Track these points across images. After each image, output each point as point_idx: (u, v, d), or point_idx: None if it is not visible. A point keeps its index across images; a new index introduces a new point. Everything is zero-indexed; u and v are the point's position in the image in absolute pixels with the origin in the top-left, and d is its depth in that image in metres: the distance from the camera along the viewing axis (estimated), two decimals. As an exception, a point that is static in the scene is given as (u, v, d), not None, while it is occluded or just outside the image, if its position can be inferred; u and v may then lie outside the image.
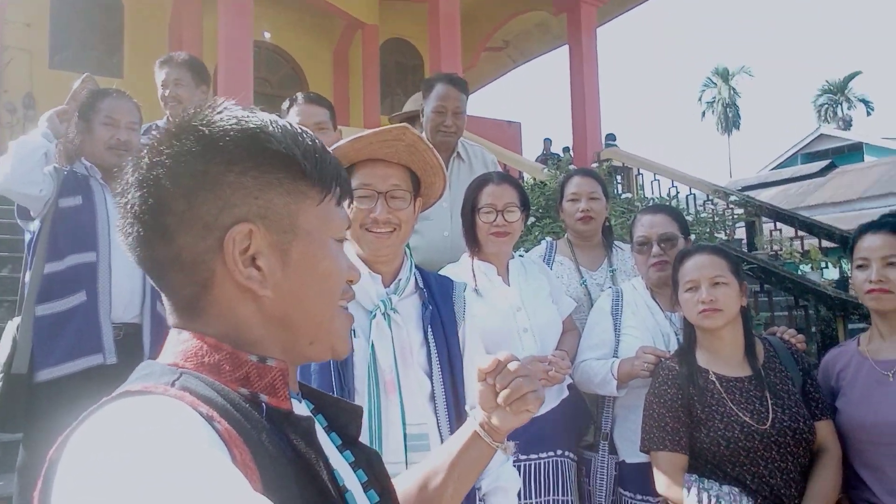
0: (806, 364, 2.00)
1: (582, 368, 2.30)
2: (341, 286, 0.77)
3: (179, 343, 0.69)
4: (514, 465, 2.05)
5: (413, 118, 3.33)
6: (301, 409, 0.76)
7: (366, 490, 0.79)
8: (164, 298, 0.72)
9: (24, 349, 2.35)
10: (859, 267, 1.99)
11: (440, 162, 1.60)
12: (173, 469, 0.48)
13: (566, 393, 2.27)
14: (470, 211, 2.30)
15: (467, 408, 1.19)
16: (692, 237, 5.05)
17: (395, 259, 1.60)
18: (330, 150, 1.59)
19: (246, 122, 0.69)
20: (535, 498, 2.13)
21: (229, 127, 0.68)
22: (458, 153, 2.96)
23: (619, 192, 9.07)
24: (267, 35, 11.82)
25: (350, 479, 0.77)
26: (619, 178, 10.09)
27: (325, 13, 12.08)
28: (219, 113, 0.70)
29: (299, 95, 2.56)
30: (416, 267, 1.68)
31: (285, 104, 2.60)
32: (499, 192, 2.26)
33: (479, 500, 1.57)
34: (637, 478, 2.14)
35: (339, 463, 0.77)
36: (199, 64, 3.17)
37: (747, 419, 1.84)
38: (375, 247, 1.55)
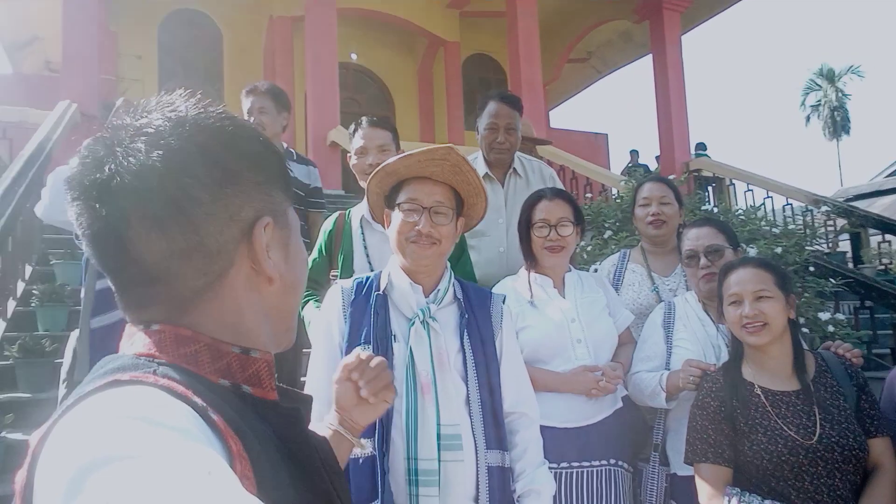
0: (861, 379, 1.95)
1: (634, 381, 2.33)
2: None
3: (151, 334, 0.66)
4: (566, 472, 2.11)
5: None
6: None
7: None
8: (149, 294, 0.67)
9: (84, 359, 2.57)
10: None
11: (481, 184, 1.74)
12: (167, 462, 0.48)
13: (620, 404, 2.29)
14: (525, 226, 2.39)
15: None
16: (778, 251, 4.84)
17: (435, 271, 1.73)
18: (381, 166, 1.75)
19: (243, 123, 0.74)
20: None
21: (235, 126, 0.71)
22: (514, 169, 3.01)
23: (714, 203, 8.74)
24: (353, 56, 12.32)
25: None
26: (710, 188, 9.80)
27: (408, 32, 12.47)
28: (212, 109, 0.71)
29: (363, 119, 2.70)
30: (456, 279, 1.80)
31: (351, 127, 2.76)
32: (552, 207, 2.34)
33: (514, 502, 1.66)
34: (688, 490, 2.11)
35: None
36: (280, 92, 3.43)
37: (792, 433, 1.82)
38: (417, 256, 1.69)
